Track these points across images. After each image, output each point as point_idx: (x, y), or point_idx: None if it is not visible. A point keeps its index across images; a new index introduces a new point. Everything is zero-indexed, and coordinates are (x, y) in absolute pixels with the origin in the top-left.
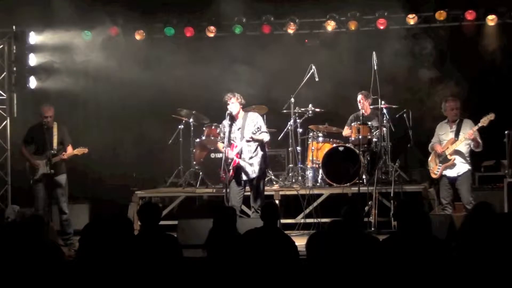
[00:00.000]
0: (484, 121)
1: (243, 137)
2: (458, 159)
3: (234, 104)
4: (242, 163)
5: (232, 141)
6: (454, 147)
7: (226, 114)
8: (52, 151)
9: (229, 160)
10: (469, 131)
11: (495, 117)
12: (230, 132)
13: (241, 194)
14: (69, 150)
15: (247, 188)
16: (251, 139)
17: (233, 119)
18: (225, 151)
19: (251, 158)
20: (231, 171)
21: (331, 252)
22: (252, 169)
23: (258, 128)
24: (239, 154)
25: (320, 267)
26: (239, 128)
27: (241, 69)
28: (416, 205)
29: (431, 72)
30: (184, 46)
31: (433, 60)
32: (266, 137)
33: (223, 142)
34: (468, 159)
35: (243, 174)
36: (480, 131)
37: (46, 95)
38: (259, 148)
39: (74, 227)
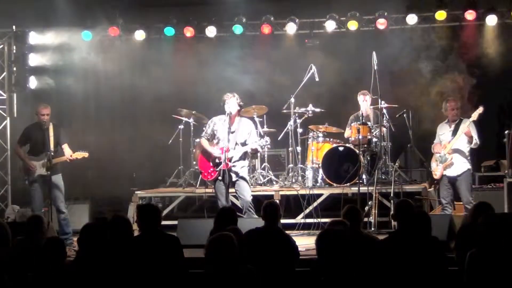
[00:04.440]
0: (474, 115)
1: (235, 142)
2: (457, 158)
3: (233, 104)
4: (232, 167)
5: (222, 142)
6: (451, 146)
7: (226, 114)
8: (50, 153)
9: (217, 160)
10: (464, 128)
11: (483, 110)
12: (228, 133)
13: (227, 193)
14: (66, 149)
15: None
16: (254, 150)
17: (229, 120)
18: (224, 152)
19: (237, 161)
20: (217, 173)
21: (341, 251)
22: (237, 171)
23: (249, 133)
24: (230, 159)
25: (330, 266)
26: (233, 132)
27: (241, 69)
28: (412, 205)
29: (432, 72)
30: (184, 46)
31: (433, 60)
32: (260, 149)
33: (208, 139)
34: (468, 158)
35: (228, 176)
36: (478, 127)
37: (46, 95)
38: (244, 154)
39: (74, 227)
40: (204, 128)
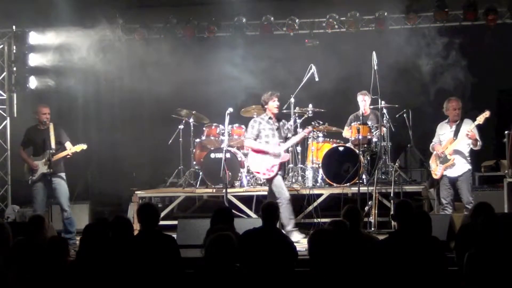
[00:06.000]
0: (480, 119)
1: (281, 135)
2: (458, 159)
3: (277, 103)
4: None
5: (273, 139)
6: (453, 147)
7: (273, 112)
8: (51, 151)
9: (273, 156)
10: (468, 130)
11: (490, 114)
12: (275, 130)
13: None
14: (69, 146)
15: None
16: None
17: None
18: (277, 150)
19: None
20: (277, 167)
21: (333, 251)
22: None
23: (288, 129)
24: (286, 151)
25: (322, 264)
26: (277, 128)
27: (241, 69)
28: (411, 205)
29: (432, 72)
30: (183, 46)
31: (433, 60)
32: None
33: (254, 139)
34: (468, 158)
35: (282, 170)
36: (480, 129)
37: (46, 95)
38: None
39: (75, 226)
40: (249, 130)
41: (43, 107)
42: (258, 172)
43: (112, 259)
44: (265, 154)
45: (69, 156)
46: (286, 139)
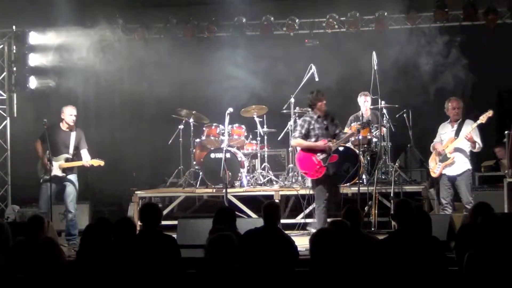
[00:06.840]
0: (482, 118)
1: (329, 133)
2: (458, 158)
3: (325, 101)
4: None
5: (322, 138)
6: (453, 145)
7: (322, 112)
8: (67, 155)
9: (321, 156)
10: (467, 133)
11: (493, 113)
12: (324, 129)
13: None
14: (85, 154)
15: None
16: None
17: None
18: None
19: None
20: (325, 167)
21: (335, 251)
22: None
23: (336, 125)
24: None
25: (323, 264)
26: (326, 127)
27: (241, 69)
28: (411, 205)
29: (432, 72)
30: (183, 46)
31: (433, 59)
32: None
33: (303, 138)
34: (468, 158)
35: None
36: (481, 129)
37: (46, 95)
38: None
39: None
40: (298, 129)
41: (70, 107)
42: (306, 173)
43: (112, 259)
44: (314, 154)
45: (87, 165)
46: (334, 136)
